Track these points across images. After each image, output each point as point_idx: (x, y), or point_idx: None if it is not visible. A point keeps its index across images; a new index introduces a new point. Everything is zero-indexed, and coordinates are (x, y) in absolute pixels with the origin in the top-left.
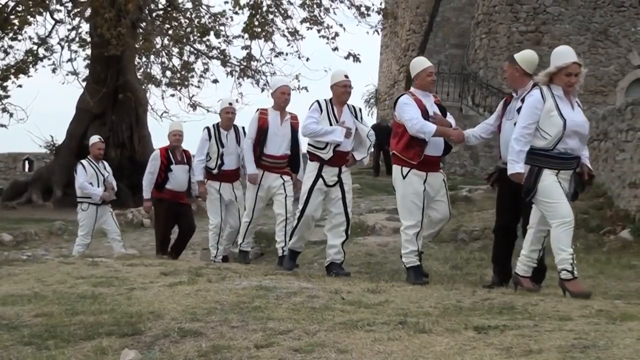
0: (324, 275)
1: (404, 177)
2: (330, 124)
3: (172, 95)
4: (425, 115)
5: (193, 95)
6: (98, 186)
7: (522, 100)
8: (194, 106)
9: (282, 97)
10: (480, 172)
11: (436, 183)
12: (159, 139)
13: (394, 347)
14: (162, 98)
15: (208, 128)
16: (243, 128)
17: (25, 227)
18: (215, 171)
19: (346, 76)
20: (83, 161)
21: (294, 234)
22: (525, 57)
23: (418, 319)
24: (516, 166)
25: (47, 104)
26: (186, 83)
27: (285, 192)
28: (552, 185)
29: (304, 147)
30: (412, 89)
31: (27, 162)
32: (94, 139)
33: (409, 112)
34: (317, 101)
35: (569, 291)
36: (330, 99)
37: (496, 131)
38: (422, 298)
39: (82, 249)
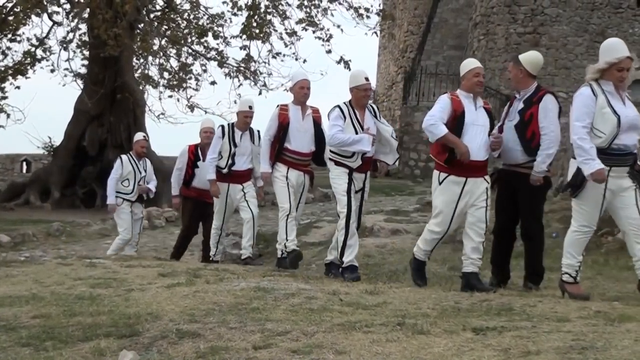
0: (322, 276)
1: (440, 183)
2: (356, 131)
3: (170, 97)
4: (457, 119)
5: (191, 97)
6: (134, 184)
7: (525, 102)
8: (191, 107)
9: (301, 91)
10: None
11: (477, 189)
12: (157, 141)
13: (392, 349)
14: (160, 99)
15: (222, 126)
16: (258, 132)
17: (23, 228)
18: (225, 170)
19: (366, 78)
20: (123, 156)
21: (347, 248)
22: (530, 58)
23: (416, 320)
24: (594, 164)
25: (44, 105)
26: (184, 84)
27: (301, 196)
28: (592, 192)
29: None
30: (457, 90)
31: (24, 163)
32: (138, 136)
33: (434, 108)
34: (339, 107)
35: (567, 292)
36: (350, 102)
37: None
38: (420, 299)
39: (121, 243)
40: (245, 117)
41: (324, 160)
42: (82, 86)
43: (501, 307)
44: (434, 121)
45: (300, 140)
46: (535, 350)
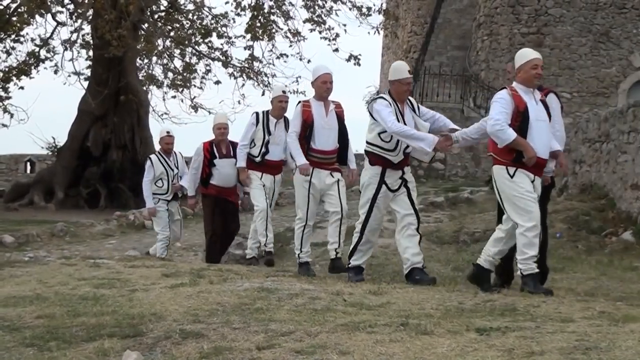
0: (325, 276)
1: (511, 177)
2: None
3: (174, 97)
4: (521, 116)
5: (195, 97)
6: (168, 183)
7: None
8: (195, 108)
9: (323, 86)
10: (482, 173)
11: (540, 188)
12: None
13: (396, 349)
14: (164, 99)
15: (257, 113)
16: None
17: (27, 228)
18: (258, 159)
19: (409, 72)
20: (152, 156)
21: (357, 252)
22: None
23: (420, 321)
24: None
25: (48, 106)
26: (188, 84)
27: (338, 190)
28: None
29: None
30: (514, 84)
31: (28, 163)
32: (162, 132)
33: (495, 109)
34: (383, 97)
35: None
36: (390, 94)
37: None
38: (424, 300)
39: (163, 243)
40: (280, 102)
41: (346, 159)
42: (85, 87)
43: (505, 308)
44: (500, 126)
45: (325, 138)
46: (539, 351)
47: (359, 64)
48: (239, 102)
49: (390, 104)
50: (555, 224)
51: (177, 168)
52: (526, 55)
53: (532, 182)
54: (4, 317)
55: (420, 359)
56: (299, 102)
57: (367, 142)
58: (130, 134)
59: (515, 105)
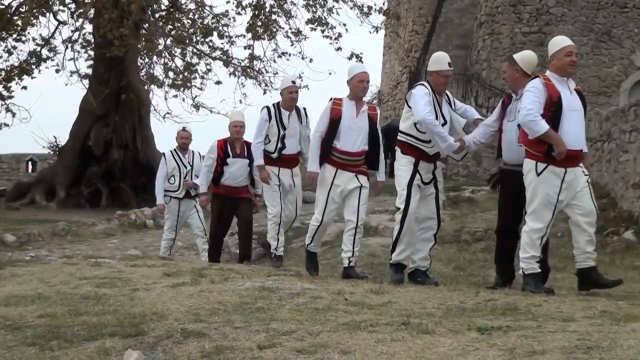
0: (326, 276)
1: (538, 174)
2: (436, 115)
3: (175, 96)
4: (554, 105)
5: (196, 96)
6: (179, 180)
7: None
8: (197, 107)
9: (360, 85)
10: (483, 173)
11: (576, 179)
12: (162, 140)
13: (397, 348)
14: (165, 99)
15: (268, 107)
16: (305, 109)
17: (29, 227)
18: (274, 155)
19: (449, 64)
20: (166, 152)
21: (398, 244)
22: (525, 57)
23: (421, 320)
24: None
25: (50, 105)
26: (189, 84)
27: (359, 197)
28: None
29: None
30: (547, 72)
31: (30, 163)
32: (179, 127)
33: (527, 98)
34: (424, 84)
35: None
36: (429, 84)
37: (496, 133)
38: (425, 299)
39: (166, 244)
40: (290, 94)
41: (377, 163)
42: (87, 86)
43: (506, 307)
44: (533, 117)
45: (351, 139)
46: (540, 350)
47: (361, 60)
48: (240, 101)
49: (429, 94)
50: (557, 223)
51: (192, 166)
52: (559, 42)
53: (563, 177)
54: (6, 316)
55: (422, 358)
56: (331, 99)
57: (401, 132)
58: (131, 134)
59: (548, 94)
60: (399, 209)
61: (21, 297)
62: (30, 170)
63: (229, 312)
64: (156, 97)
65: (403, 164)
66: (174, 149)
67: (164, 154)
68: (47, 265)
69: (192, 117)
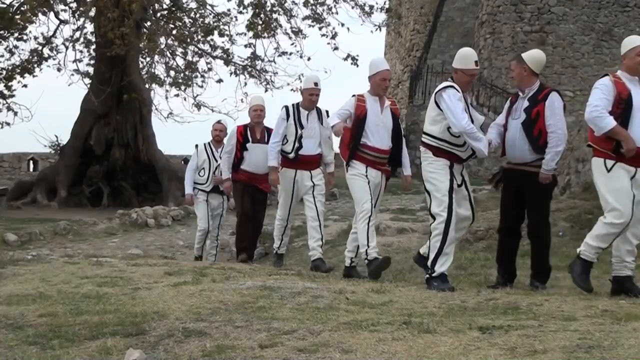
0: (328, 275)
1: (608, 171)
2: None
3: (177, 95)
4: (624, 103)
5: (197, 95)
6: (209, 173)
7: (530, 100)
8: (198, 106)
9: (382, 83)
10: (485, 172)
11: None
12: (163, 139)
13: (398, 347)
14: (166, 98)
15: (286, 107)
16: (327, 112)
17: (30, 227)
18: (291, 155)
19: (476, 62)
20: (199, 144)
21: (441, 255)
22: (533, 56)
23: (422, 319)
24: None
25: (51, 104)
26: (190, 83)
27: (378, 196)
28: None
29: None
30: (618, 72)
31: (31, 162)
32: (214, 121)
33: (595, 95)
34: (454, 86)
35: None
36: (454, 82)
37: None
38: (427, 298)
39: (200, 235)
40: (310, 96)
41: (400, 160)
42: (88, 85)
43: (507, 306)
44: (599, 112)
45: (380, 136)
46: (541, 349)
47: (356, 64)
48: (242, 100)
49: (461, 97)
50: (558, 222)
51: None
52: (631, 42)
53: (633, 176)
54: (7, 315)
55: (423, 357)
56: (353, 95)
57: (430, 135)
58: (132, 133)
59: (617, 92)
60: (433, 217)
61: (22, 296)
62: (31, 170)
63: (230, 311)
64: (157, 96)
65: (437, 168)
66: (208, 142)
67: (196, 145)
68: (48, 264)
69: (194, 116)
